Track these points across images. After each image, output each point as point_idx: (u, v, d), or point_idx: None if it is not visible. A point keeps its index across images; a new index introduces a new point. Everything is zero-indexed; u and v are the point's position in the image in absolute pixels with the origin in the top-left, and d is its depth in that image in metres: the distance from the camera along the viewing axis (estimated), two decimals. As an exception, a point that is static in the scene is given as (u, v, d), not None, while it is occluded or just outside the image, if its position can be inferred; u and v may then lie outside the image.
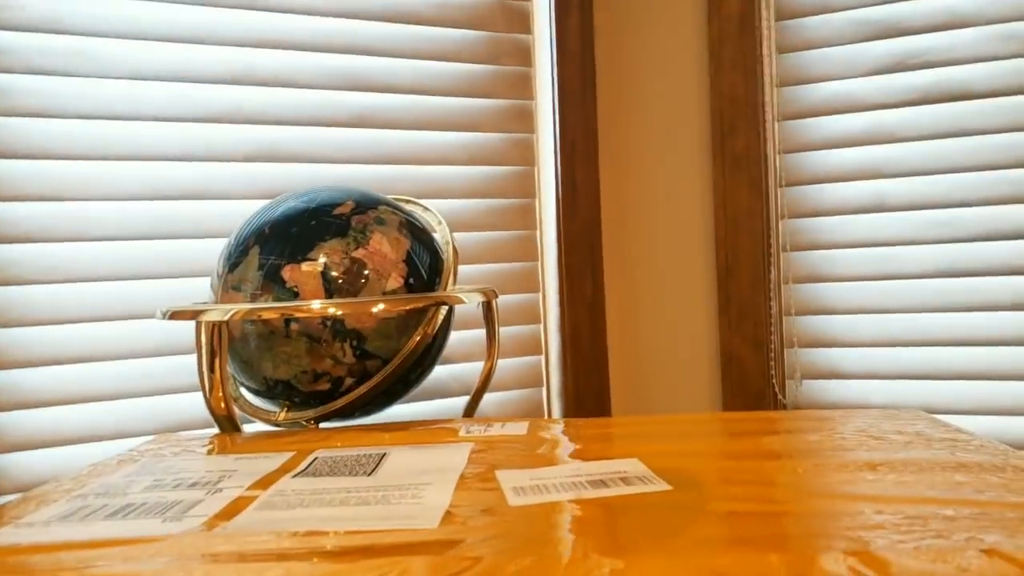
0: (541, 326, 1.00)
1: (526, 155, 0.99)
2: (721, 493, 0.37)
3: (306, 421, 0.65)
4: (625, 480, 0.39)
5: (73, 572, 0.31)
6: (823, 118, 0.93)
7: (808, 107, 0.94)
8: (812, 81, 0.94)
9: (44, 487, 0.45)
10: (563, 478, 0.41)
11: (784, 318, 0.96)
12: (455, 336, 0.94)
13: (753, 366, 0.96)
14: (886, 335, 0.91)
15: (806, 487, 0.38)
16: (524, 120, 0.99)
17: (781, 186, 0.96)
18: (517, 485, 0.40)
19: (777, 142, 0.96)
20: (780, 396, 0.95)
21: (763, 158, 0.95)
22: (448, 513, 0.36)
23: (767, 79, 0.95)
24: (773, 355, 0.95)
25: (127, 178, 0.78)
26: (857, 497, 0.36)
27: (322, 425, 0.65)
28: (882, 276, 0.92)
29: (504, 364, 0.97)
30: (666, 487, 0.38)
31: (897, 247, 0.91)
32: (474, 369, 0.94)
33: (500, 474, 0.42)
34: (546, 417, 1.02)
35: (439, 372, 0.93)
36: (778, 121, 0.96)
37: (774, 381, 0.95)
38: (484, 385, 0.73)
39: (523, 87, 0.98)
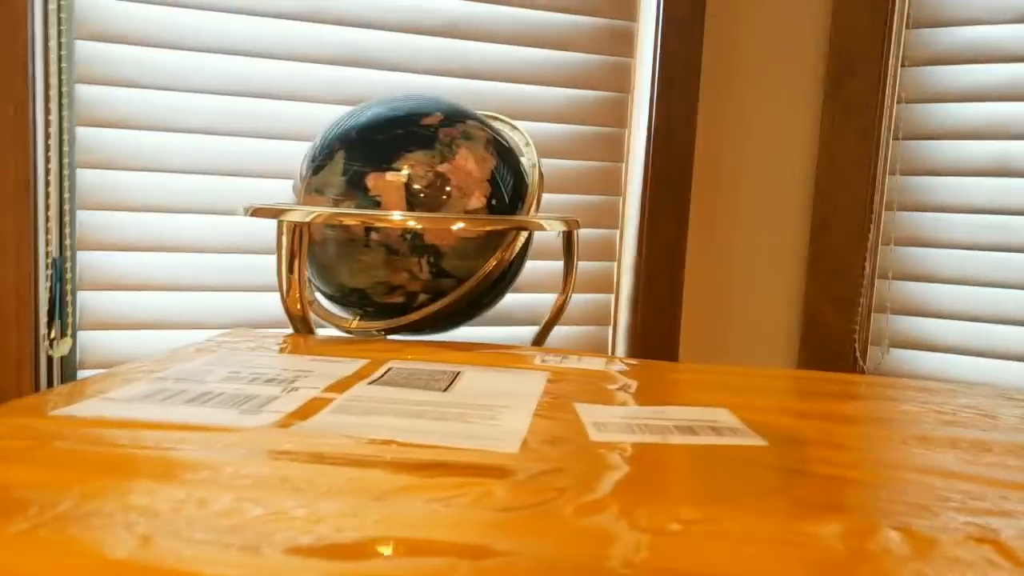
0: (615, 264, 0.97)
1: (621, 81, 0.93)
2: (819, 456, 0.35)
3: (376, 331, 0.65)
4: (716, 430, 0.37)
5: (152, 451, 0.31)
6: (955, 67, 0.84)
7: (940, 53, 0.85)
8: (948, 24, 0.84)
9: (126, 366, 0.46)
10: (646, 419, 0.39)
11: (878, 281, 0.90)
12: (527, 265, 0.91)
13: (836, 327, 0.90)
14: (992, 311, 0.84)
15: (911, 460, 0.35)
16: (622, 42, 0.92)
17: (896, 138, 0.88)
18: (598, 420, 0.38)
19: (899, 89, 0.87)
20: (861, 361, 0.90)
21: (880, 105, 0.87)
22: (526, 440, 0.35)
23: (897, 17, 0.86)
24: (860, 319, 0.90)
25: (215, 71, 0.77)
26: (974, 478, 0.33)
27: (391, 338, 0.65)
28: (998, 247, 0.84)
29: (572, 298, 0.95)
30: (761, 442, 0.36)
31: (1020, 217, 0.83)
32: (541, 300, 0.92)
33: (580, 407, 0.40)
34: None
35: (507, 299, 0.91)
36: (903, 66, 0.87)
37: (856, 345, 0.90)
38: (556, 317, 0.71)
39: (624, 6, 0.92)
